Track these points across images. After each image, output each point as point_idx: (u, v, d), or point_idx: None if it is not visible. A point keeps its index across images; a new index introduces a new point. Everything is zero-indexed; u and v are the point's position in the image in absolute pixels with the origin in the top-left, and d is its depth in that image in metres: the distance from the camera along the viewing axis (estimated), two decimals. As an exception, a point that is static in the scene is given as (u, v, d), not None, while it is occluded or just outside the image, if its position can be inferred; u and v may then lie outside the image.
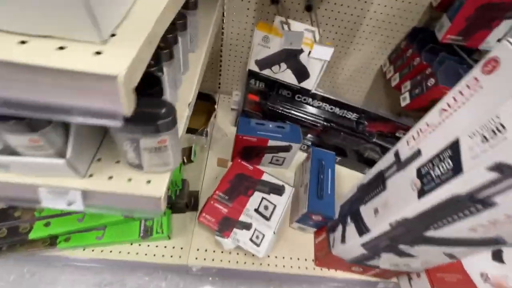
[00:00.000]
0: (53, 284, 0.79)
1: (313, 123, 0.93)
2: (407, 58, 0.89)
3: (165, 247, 0.74)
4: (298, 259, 0.80)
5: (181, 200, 0.76)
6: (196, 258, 0.74)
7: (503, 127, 0.31)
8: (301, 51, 0.72)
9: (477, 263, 0.72)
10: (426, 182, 0.41)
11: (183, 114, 0.41)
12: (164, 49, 0.34)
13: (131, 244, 0.72)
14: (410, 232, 0.48)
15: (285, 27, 0.68)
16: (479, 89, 0.36)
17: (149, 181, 0.34)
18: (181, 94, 0.44)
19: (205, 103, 1.05)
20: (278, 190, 0.83)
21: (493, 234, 0.44)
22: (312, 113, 0.93)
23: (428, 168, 0.41)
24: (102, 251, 0.70)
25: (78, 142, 0.31)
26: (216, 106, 1.05)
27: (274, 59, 0.76)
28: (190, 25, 0.45)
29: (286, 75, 0.81)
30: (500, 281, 0.70)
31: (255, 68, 0.82)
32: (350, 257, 0.67)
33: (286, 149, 0.87)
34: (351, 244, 0.61)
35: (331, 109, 0.92)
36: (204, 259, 0.74)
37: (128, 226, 0.68)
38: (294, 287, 0.91)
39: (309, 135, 0.98)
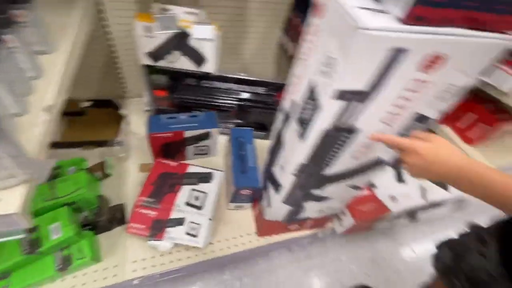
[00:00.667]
0: None
1: (227, 105, 0.94)
2: (296, 26, 0.96)
3: (96, 271, 0.67)
4: (241, 236, 0.81)
5: (101, 217, 0.70)
6: (135, 271, 0.69)
7: (334, 59, 0.35)
8: (187, 34, 0.71)
9: (385, 190, 0.84)
10: (304, 126, 0.45)
11: (38, 120, 0.36)
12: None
13: (53, 282, 0.64)
14: (312, 175, 0.53)
15: (162, 10, 0.66)
16: (319, 33, 0.41)
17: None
18: (34, 99, 0.39)
19: (112, 111, 0.96)
20: (206, 178, 0.82)
21: (372, 156, 0.52)
22: (224, 96, 0.94)
23: (302, 113, 0.45)
24: (15, 302, 0.61)
25: None
26: (124, 112, 0.98)
27: (164, 48, 0.74)
28: (28, 23, 0.40)
29: (183, 63, 0.79)
30: (404, 198, 0.83)
31: (150, 62, 0.78)
32: (282, 217, 0.71)
33: (205, 136, 0.87)
34: (276, 205, 0.65)
35: (241, 88, 0.94)
36: (144, 268, 0.70)
37: (39, 263, 0.59)
38: (249, 264, 0.93)
39: (231, 119, 1.00)
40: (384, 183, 0.85)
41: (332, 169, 0.53)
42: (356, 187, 0.63)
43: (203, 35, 0.66)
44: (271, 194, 0.65)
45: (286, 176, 0.54)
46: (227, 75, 0.89)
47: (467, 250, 0.50)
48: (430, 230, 1.15)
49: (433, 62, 0.34)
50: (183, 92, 0.91)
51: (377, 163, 0.55)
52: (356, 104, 0.38)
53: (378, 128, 0.43)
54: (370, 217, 0.79)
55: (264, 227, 0.78)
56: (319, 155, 0.47)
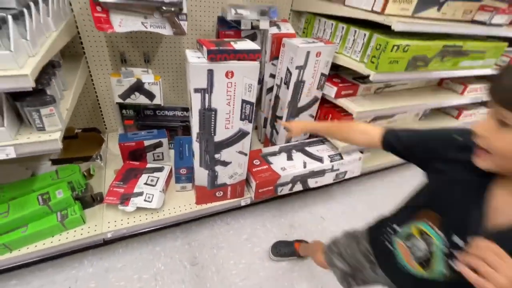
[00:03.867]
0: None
1: (176, 126, 1.42)
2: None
3: (82, 229, 1.03)
4: (185, 205, 1.20)
5: (86, 194, 1.08)
6: (109, 227, 1.05)
7: (189, 76, 0.85)
8: (142, 82, 1.23)
9: (278, 164, 1.29)
10: (191, 111, 0.92)
11: (65, 109, 0.83)
12: (47, 81, 0.76)
13: (58, 233, 0.98)
14: (208, 141, 0.99)
15: (124, 69, 1.19)
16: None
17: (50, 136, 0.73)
18: (63, 103, 0.86)
19: (95, 134, 1.40)
20: (159, 169, 1.25)
21: (236, 129, 0.99)
22: (173, 120, 1.43)
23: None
24: (27, 248, 0.94)
25: (9, 117, 0.68)
26: (104, 137, 1.42)
27: (128, 91, 1.25)
28: (58, 74, 0.89)
29: (142, 99, 1.29)
30: (291, 168, 1.28)
31: (120, 100, 1.27)
32: (206, 182, 1.12)
33: (159, 144, 1.31)
34: (197, 170, 1.07)
35: (184, 113, 1.44)
36: (115, 226, 1.06)
37: (47, 218, 0.96)
38: (196, 232, 1.28)
39: (179, 134, 1.46)
40: (278, 161, 1.31)
41: (218, 137, 0.99)
42: (242, 153, 1.08)
43: (148, 79, 1.18)
44: (194, 163, 1.08)
45: (194, 144, 0.99)
46: (175, 106, 1.40)
47: (359, 266, 0.80)
48: (334, 200, 1.57)
49: (230, 73, 0.85)
50: (144, 120, 1.39)
51: (242, 135, 1.02)
52: (206, 95, 0.87)
53: (226, 107, 0.92)
54: (268, 180, 1.22)
55: (199, 195, 1.18)
56: (203, 125, 0.94)
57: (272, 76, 1.36)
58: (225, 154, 1.06)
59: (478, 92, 1.66)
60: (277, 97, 1.36)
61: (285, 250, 1.24)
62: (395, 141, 0.68)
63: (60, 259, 1.10)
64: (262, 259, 1.21)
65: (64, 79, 0.95)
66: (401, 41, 1.05)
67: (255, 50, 0.85)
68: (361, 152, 1.62)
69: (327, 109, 1.43)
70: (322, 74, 1.27)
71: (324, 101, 1.40)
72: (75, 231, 1.02)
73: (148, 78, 1.19)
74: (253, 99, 0.94)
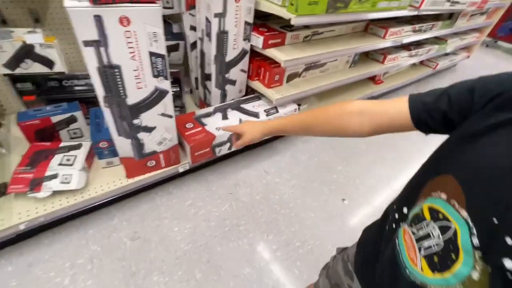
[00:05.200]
0: None
1: (91, 96, 1.24)
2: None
3: (-15, 226, 0.88)
4: (114, 181, 1.10)
5: (-17, 186, 0.91)
6: (20, 218, 0.91)
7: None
8: (33, 46, 1.01)
9: (213, 125, 1.23)
10: (88, 70, 0.79)
11: None
12: None
13: None
14: (120, 105, 0.87)
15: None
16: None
17: None
18: None
19: None
20: (75, 147, 1.10)
21: (151, 88, 0.89)
22: (86, 90, 1.24)
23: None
24: None
25: None
26: (2, 120, 1.19)
27: (16, 58, 1.02)
28: None
29: (38, 67, 1.08)
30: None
31: (8, 71, 1.04)
32: (131, 152, 1.03)
33: (72, 120, 1.14)
34: (116, 139, 0.96)
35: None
36: (28, 216, 0.93)
37: None
38: (135, 207, 1.21)
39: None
40: (212, 121, 1.25)
41: (132, 99, 0.88)
42: (165, 115, 0.99)
43: (36, 40, 0.97)
44: (110, 131, 0.96)
45: (104, 110, 0.87)
46: (86, 73, 1.20)
47: (341, 283, 0.58)
48: (276, 154, 1.60)
49: (125, 20, 0.73)
50: (49, 93, 1.18)
51: (161, 94, 0.92)
52: (102, 49, 0.74)
53: (131, 62, 0.80)
54: (203, 142, 1.17)
55: (128, 168, 1.09)
56: (108, 87, 0.82)
57: (193, 28, 1.24)
58: (146, 119, 0.96)
59: (397, 35, 1.75)
60: (202, 53, 1.25)
61: None
62: (442, 101, 0.40)
63: (-33, 264, 0.94)
64: (207, 220, 1.21)
65: None
66: (317, -21, 1.01)
67: (150, -11, 0.73)
68: (298, 104, 1.65)
69: (259, 62, 1.38)
70: (247, 23, 1.19)
71: (255, 54, 1.34)
72: (-25, 229, 0.87)
73: (34, 38, 0.97)
74: (162, 51, 0.84)
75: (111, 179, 1.10)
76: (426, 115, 0.42)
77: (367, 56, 1.96)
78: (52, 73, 1.11)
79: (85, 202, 1.02)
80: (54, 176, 0.98)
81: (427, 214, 0.35)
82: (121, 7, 0.71)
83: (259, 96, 1.46)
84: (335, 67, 1.68)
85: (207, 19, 1.11)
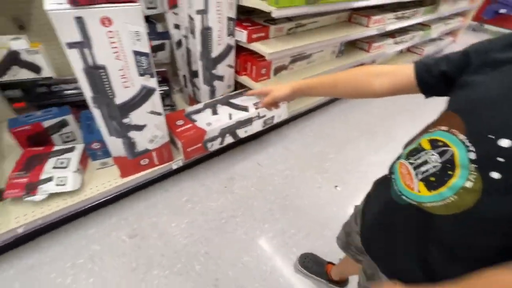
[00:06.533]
0: None
1: (78, 100, 1.25)
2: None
3: (-17, 231, 0.90)
4: (109, 181, 1.12)
5: (-21, 192, 0.93)
6: (18, 222, 0.93)
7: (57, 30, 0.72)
8: (18, 53, 1.02)
9: (203, 120, 1.25)
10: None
11: None
12: None
13: None
14: (109, 105, 0.89)
15: None
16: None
17: None
18: None
19: None
20: (69, 149, 1.12)
21: (138, 87, 0.91)
22: (76, 94, 1.25)
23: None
24: None
25: None
26: (-7, 129, 1.20)
27: (2, 66, 1.03)
28: None
29: (25, 74, 1.09)
30: (216, 122, 1.26)
31: (-4, 79, 1.05)
32: (123, 151, 1.05)
33: (64, 123, 1.16)
34: (108, 139, 0.98)
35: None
36: (25, 219, 0.95)
37: None
38: (132, 206, 1.23)
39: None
40: (202, 117, 1.27)
41: (120, 98, 0.90)
42: (155, 113, 1.01)
43: (21, 47, 0.98)
44: (102, 131, 0.98)
45: (93, 110, 0.89)
46: (74, 77, 1.21)
47: (351, 230, 0.73)
48: (269, 146, 1.63)
49: (106, 20, 0.75)
50: (39, 99, 1.19)
51: (148, 92, 0.94)
52: (86, 50, 0.76)
53: (116, 62, 0.82)
54: (194, 138, 1.19)
55: (122, 167, 1.11)
56: (95, 87, 0.84)
57: (177, 27, 1.26)
58: (135, 117, 0.98)
59: (381, 23, 1.78)
60: (188, 50, 1.27)
61: (313, 266, 1.07)
62: (443, 63, 0.48)
63: (-31, 270, 0.96)
64: (204, 214, 1.24)
65: None
66: (294, -29, 1.03)
67: (129, -12, 0.75)
68: (288, 96, 1.67)
69: (245, 56, 1.40)
70: (229, 19, 1.21)
71: (241, 49, 1.36)
72: (-26, 235, 0.88)
73: (19, 45, 0.99)
74: (146, 49, 0.85)
75: (106, 179, 1.12)
76: (427, 74, 0.50)
77: (353, 46, 1.98)
78: (40, 79, 1.13)
79: (82, 202, 1.04)
80: (49, 179, 1.00)
81: (426, 146, 0.44)
82: (101, 7, 0.72)
83: (248, 90, 1.49)
84: (321, 58, 1.71)
85: (189, 16, 1.12)
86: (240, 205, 1.30)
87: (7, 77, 1.07)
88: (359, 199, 0.69)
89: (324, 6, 1.26)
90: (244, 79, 1.45)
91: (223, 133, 1.29)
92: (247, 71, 1.44)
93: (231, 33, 1.26)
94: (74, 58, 0.76)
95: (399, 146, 0.56)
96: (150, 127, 1.04)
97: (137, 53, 0.84)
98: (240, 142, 1.58)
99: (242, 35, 1.26)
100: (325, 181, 1.46)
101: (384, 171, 0.57)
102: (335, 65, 1.71)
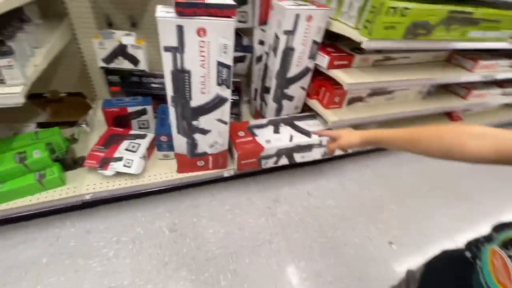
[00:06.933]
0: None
1: (160, 94, 1.38)
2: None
3: (62, 190, 1.04)
4: (166, 173, 1.19)
5: (67, 156, 1.09)
6: (87, 190, 1.06)
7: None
8: (126, 46, 1.19)
9: (263, 137, 1.24)
10: (164, 72, 0.88)
11: (32, 65, 0.81)
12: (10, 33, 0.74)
13: (32, 195, 1.00)
14: (184, 106, 0.95)
15: (104, 30, 1.15)
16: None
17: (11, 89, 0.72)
18: (33, 60, 0.84)
19: (82, 101, 1.38)
20: (141, 136, 1.23)
21: (213, 95, 0.95)
22: (159, 88, 1.39)
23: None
24: (7, 204, 0.97)
25: None
26: (91, 103, 1.41)
27: (112, 55, 1.21)
28: (30, 30, 0.86)
29: (126, 64, 1.25)
30: (276, 141, 1.24)
31: (104, 64, 1.24)
32: (185, 149, 1.10)
33: (144, 112, 1.29)
34: (175, 136, 1.05)
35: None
36: (94, 188, 1.07)
37: (24, 177, 0.97)
38: (178, 200, 1.28)
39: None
40: (264, 133, 1.27)
41: (195, 102, 0.95)
42: (221, 121, 1.04)
43: (129, 42, 1.13)
44: (172, 128, 1.05)
45: (170, 109, 0.96)
46: (161, 73, 1.35)
47: None
48: (324, 177, 1.53)
49: (202, 30, 0.79)
50: (130, 86, 1.36)
51: (221, 101, 0.97)
52: (178, 54, 0.82)
53: (200, 69, 0.87)
54: (251, 152, 1.19)
55: (180, 164, 1.17)
56: (177, 88, 0.90)
57: (262, 43, 1.29)
58: (203, 121, 1.02)
59: (490, 70, 1.52)
60: (266, 66, 1.29)
61: None
62: None
63: (43, 218, 1.13)
64: (242, 229, 1.21)
65: (37, 36, 0.92)
66: (398, 3, 0.95)
67: (229, 5, 0.79)
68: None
69: (320, 81, 1.35)
70: (314, 42, 1.18)
71: (318, 72, 1.32)
72: (54, 191, 1.04)
73: (128, 40, 1.14)
74: (229, 62, 0.89)
75: (164, 170, 1.20)
76: None
77: (446, 89, 1.74)
78: (136, 70, 1.29)
79: (139, 186, 1.13)
80: (120, 159, 1.11)
81: None
82: (201, 19, 0.78)
83: (315, 115, 1.43)
84: (404, 96, 1.54)
85: (276, 35, 1.14)
86: (279, 231, 1.23)
87: (113, 65, 1.25)
88: (415, 265, 0.57)
89: (423, 43, 1.13)
90: (314, 103, 1.40)
91: (279, 153, 1.26)
92: (319, 95, 1.39)
93: (312, 56, 1.24)
94: (167, 60, 0.83)
95: (484, 219, 0.44)
96: (214, 133, 1.08)
97: (220, 64, 0.88)
98: (294, 165, 1.52)
99: (323, 60, 1.22)
100: (378, 234, 1.29)
101: (457, 243, 0.45)
102: (419, 107, 1.52)
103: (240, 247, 1.15)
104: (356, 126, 1.40)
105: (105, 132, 1.23)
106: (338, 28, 1.14)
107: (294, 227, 1.25)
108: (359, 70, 1.27)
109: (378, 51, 1.32)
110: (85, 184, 1.08)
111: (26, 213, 1.02)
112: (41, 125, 1.25)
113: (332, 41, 1.36)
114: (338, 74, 1.20)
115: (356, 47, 1.29)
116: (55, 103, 1.29)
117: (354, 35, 1.06)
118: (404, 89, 1.49)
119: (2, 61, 0.67)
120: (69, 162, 1.11)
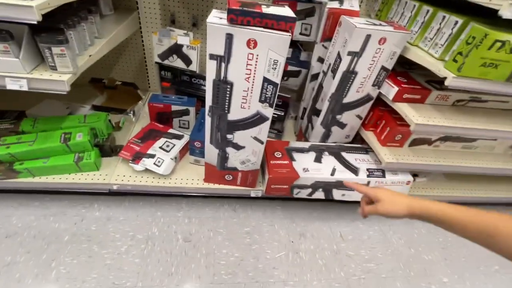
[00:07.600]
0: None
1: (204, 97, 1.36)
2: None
3: (94, 175, 1.08)
4: (193, 179, 1.15)
5: (106, 143, 1.12)
6: (116, 180, 1.07)
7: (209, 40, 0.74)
8: (181, 45, 1.18)
9: (301, 163, 1.11)
10: (206, 81, 0.82)
11: (87, 55, 0.83)
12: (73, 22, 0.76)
13: (69, 174, 1.05)
14: (220, 118, 0.88)
15: (163, 28, 1.16)
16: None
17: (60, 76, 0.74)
18: (89, 50, 0.87)
19: (132, 89, 1.43)
20: (178, 136, 1.22)
21: (254, 110, 0.86)
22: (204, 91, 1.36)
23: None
24: (46, 178, 1.03)
25: (26, 51, 0.70)
26: (141, 94, 1.46)
27: (167, 52, 1.22)
28: (95, 21, 0.89)
29: (179, 63, 1.26)
30: (315, 171, 1.09)
31: (159, 60, 1.26)
32: (215, 161, 1.04)
33: (186, 112, 1.28)
34: (207, 145, 0.99)
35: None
36: (122, 180, 1.08)
37: (65, 156, 1.02)
38: (200, 209, 1.24)
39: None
40: (303, 159, 1.13)
41: (233, 115, 0.88)
42: (257, 139, 0.95)
43: (184, 42, 1.12)
44: (205, 137, 0.99)
45: (207, 118, 0.90)
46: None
47: None
48: (363, 221, 1.32)
49: (252, 42, 0.71)
50: (180, 85, 1.36)
51: (260, 119, 0.88)
52: (223, 64, 0.75)
53: (243, 83, 0.79)
54: (283, 178, 1.07)
55: (207, 173, 1.11)
56: (217, 99, 0.83)
57: (321, 60, 1.16)
58: (238, 137, 0.94)
59: None
60: (320, 86, 1.15)
61: None
62: None
63: (77, 195, 1.19)
64: (257, 259, 1.10)
65: (100, 26, 0.96)
66: (508, 36, 0.73)
67: (288, 17, 0.69)
68: (415, 175, 1.31)
69: (381, 112, 1.16)
70: (383, 68, 1.01)
71: (380, 102, 1.13)
72: (88, 174, 1.07)
73: (184, 40, 1.13)
74: (277, 79, 0.79)
75: (192, 176, 1.16)
76: None
77: (549, 147, 1.36)
78: (187, 70, 1.28)
79: (164, 187, 1.10)
80: (152, 156, 1.11)
81: None
82: (252, 29, 0.69)
83: (367, 149, 1.24)
84: (489, 148, 1.24)
85: (338, 54, 1.00)
86: (298, 273, 1.08)
87: (167, 62, 1.26)
88: None
89: (534, 90, 0.87)
90: (368, 136, 1.21)
91: (316, 186, 1.11)
92: (377, 128, 1.20)
93: (377, 84, 1.06)
94: (211, 68, 0.77)
95: None
96: (248, 150, 0.99)
97: (266, 81, 0.79)
98: (330, 200, 1.35)
99: (390, 91, 1.03)
100: (419, 309, 1.04)
101: None
102: (505, 165, 1.21)
103: (251, 279, 1.03)
104: (416, 174, 1.17)
105: (146, 125, 1.24)
106: (417, 56, 0.95)
107: (316, 273, 1.09)
108: (433, 108, 1.05)
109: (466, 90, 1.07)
110: (115, 173, 1.10)
111: (62, 189, 1.08)
112: (95, 107, 1.33)
113: (405, 69, 1.16)
114: (405, 110, 1.00)
115: (434, 80, 1.07)
116: (110, 89, 1.36)
117: (436, 67, 0.86)
118: (491, 140, 1.20)
119: (55, 49, 0.69)
120: (107, 149, 1.14)
